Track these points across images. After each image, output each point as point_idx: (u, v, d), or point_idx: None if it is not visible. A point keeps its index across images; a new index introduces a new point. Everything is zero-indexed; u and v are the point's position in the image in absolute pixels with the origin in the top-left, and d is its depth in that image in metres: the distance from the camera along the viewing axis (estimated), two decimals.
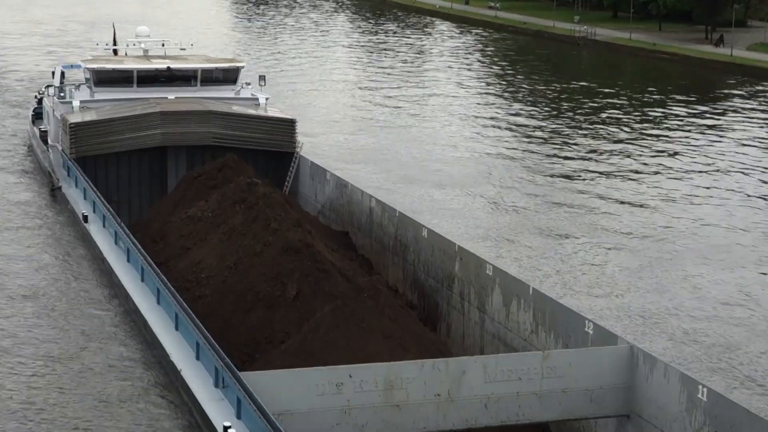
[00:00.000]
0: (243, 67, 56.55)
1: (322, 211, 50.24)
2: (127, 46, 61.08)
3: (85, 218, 45.63)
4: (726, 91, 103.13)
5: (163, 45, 60.81)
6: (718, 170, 68.39)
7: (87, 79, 56.11)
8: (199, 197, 45.08)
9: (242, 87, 56.85)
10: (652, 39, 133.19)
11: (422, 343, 32.76)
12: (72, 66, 59.40)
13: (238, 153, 51.59)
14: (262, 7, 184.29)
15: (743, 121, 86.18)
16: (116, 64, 55.53)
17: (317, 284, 37.66)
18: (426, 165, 67.59)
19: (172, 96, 54.58)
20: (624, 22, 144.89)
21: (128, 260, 39.68)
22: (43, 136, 58.53)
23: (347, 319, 32.04)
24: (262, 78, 57.62)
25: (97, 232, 44.18)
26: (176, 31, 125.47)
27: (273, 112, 54.98)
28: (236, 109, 53.64)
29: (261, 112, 54.13)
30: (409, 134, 77.88)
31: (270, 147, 52.60)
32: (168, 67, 55.24)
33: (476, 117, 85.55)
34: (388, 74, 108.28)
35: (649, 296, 45.09)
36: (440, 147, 73.36)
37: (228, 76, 56.28)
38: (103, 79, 54.78)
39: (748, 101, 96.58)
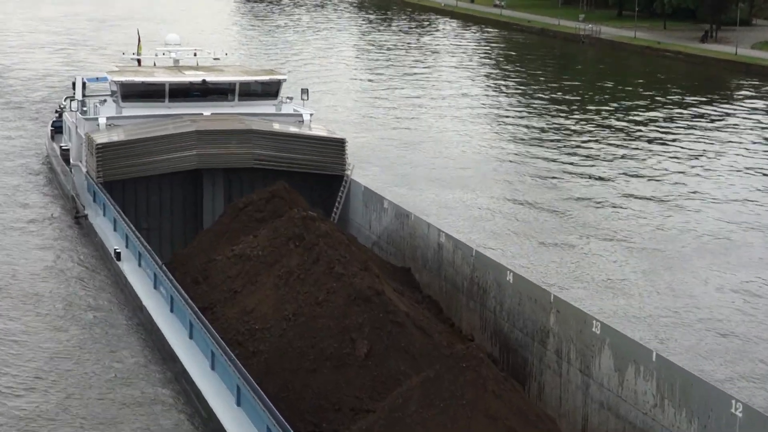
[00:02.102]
0: (285, 80, 51.27)
1: (378, 243, 45.10)
2: (156, 55, 55.87)
3: (118, 255, 40.44)
4: (732, 90, 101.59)
5: (195, 54, 55.64)
6: (726, 168, 67.25)
7: (113, 92, 50.92)
8: (246, 231, 39.93)
9: (283, 101, 51.68)
10: (656, 37, 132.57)
11: (530, 423, 27.64)
12: (98, 79, 54.20)
13: (280, 176, 46.66)
14: (267, 5, 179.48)
15: (750, 120, 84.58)
16: (146, 77, 50.28)
17: (391, 339, 32.77)
18: (431, 163, 66.04)
19: (207, 112, 49.45)
20: (629, 20, 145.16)
21: (171, 310, 34.51)
22: (65, 154, 53.36)
23: (443, 394, 26.99)
24: (304, 92, 52.40)
25: (131, 272, 38.97)
26: (186, 29, 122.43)
27: (319, 130, 49.81)
28: (279, 127, 48.49)
29: (306, 131, 48.92)
30: (414, 132, 76.17)
31: (317, 170, 47.44)
32: (203, 80, 50.01)
33: (481, 115, 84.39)
34: (393, 72, 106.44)
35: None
36: (445, 146, 71.82)
37: (268, 90, 51.08)
38: (132, 93, 49.58)
39: (754, 100, 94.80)
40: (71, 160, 52.35)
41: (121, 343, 35.40)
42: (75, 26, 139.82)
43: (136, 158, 45.53)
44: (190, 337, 32.33)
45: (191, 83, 50.14)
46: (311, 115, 50.60)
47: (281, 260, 36.45)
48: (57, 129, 60.30)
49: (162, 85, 49.62)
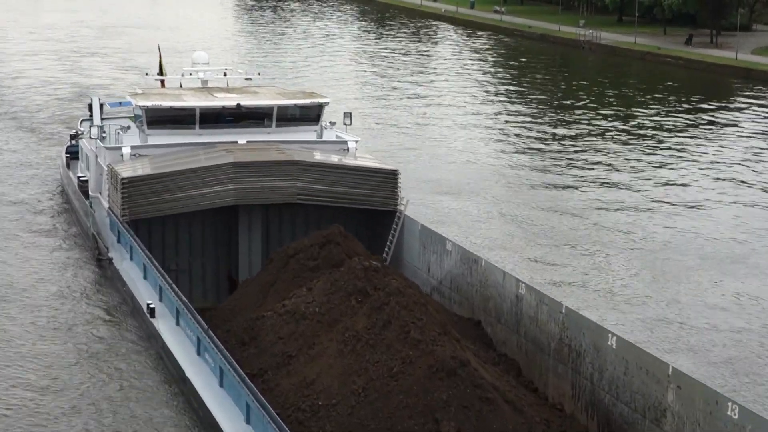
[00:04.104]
0: (327, 103, 46.28)
1: (439, 289, 40.11)
2: (182, 75, 50.90)
3: (152, 311, 35.43)
4: (732, 95, 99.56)
5: (225, 74, 50.72)
6: (728, 175, 65.58)
7: (137, 117, 45.98)
8: (298, 282, 35.03)
9: (324, 127, 46.72)
10: (656, 43, 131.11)
11: None
12: (120, 103, 49.20)
13: (323, 211, 41.79)
14: (266, 12, 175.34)
15: (752, 126, 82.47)
16: (174, 101, 45.24)
17: (480, 420, 28.08)
18: (430, 170, 64.64)
19: (242, 139, 44.49)
20: (629, 26, 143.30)
21: (221, 385, 29.53)
22: (83, 186, 48.31)
23: None
24: (347, 116, 47.47)
25: (168, 332, 33.92)
26: (190, 39, 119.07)
27: (367, 159, 44.85)
28: (323, 157, 43.57)
29: (352, 161, 43.95)
30: (416, 139, 74.41)
31: (366, 205, 42.49)
32: (238, 104, 45.02)
33: (482, 121, 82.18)
34: (393, 78, 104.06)
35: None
36: (446, 152, 70.24)
37: (308, 114, 46.09)
38: (159, 118, 44.60)
39: (755, 105, 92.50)
40: (90, 192, 47.42)
41: (161, 421, 30.35)
42: (77, 33, 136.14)
43: (165, 194, 40.66)
44: (247, 421, 27.35)
45: (224, 107, 45.23)
46: (356, 142, 45.68)
47: (343, 320, 31.65)
48: (72, 155, 55.24)
49: (192, 109, 44.70)
